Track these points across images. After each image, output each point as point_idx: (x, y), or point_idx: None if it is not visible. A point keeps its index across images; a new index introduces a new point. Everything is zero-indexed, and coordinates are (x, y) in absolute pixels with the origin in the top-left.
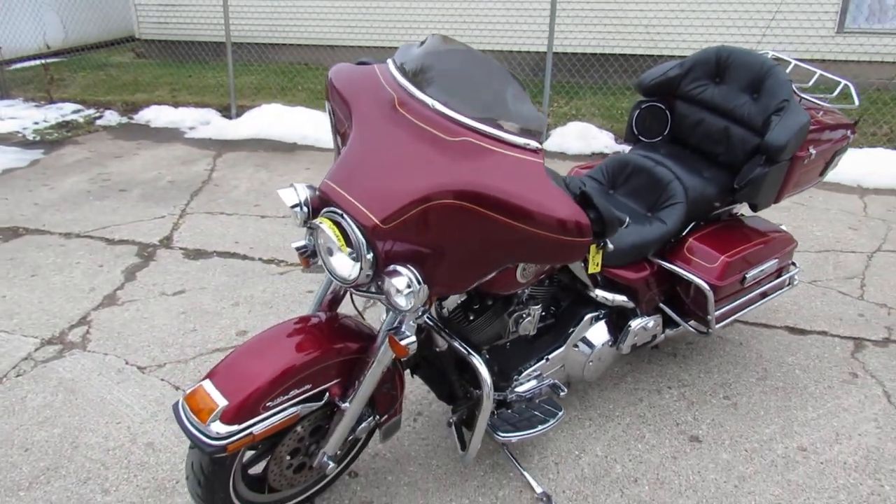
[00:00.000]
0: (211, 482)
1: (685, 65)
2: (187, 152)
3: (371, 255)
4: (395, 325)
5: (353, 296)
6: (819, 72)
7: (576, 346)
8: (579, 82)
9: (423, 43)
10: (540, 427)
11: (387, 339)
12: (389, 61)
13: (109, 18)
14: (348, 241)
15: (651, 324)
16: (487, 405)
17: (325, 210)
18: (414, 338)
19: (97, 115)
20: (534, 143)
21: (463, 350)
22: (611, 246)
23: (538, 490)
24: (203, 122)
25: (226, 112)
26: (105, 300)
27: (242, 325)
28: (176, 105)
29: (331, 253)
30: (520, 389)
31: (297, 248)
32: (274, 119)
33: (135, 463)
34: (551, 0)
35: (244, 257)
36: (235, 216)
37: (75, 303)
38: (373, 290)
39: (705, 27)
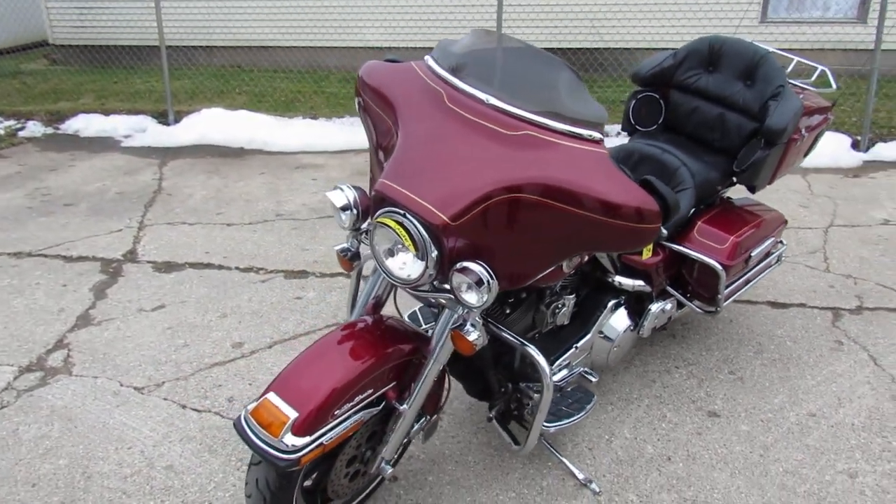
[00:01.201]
0: (278, 498)
1: (679, 55)
2: (128, 162)
3: (435, 253)
4: (459, 322)
5: (397, 298)
6: (796, 59)
7: (601, 332)
8: None
9: (464, 37)
10: (578, 414)
11: (444, 338)
12: (429, 58)
13: (17, 23)
14: (411, 240)
15: (668, 306)
16: (547, 395)
17: (382, 210)
18: (479, 333)
19: (18, 126)
20: (597, 135)
21: (517, 341)
22: (665, 232)
23: (580, 476)
24: (139, 129)
25: (163, 118)
26: (79, 321)
27: (237, 337)
28: (106, 113)
29: (392, 254)
30: (554, 379)
31: (340, 252)
32: (216, 123)
33: (158, 488)
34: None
35: (220, 267)
36: (199, 225)
37: (46, 326)
38: (427, 289)
39: (647, 19)
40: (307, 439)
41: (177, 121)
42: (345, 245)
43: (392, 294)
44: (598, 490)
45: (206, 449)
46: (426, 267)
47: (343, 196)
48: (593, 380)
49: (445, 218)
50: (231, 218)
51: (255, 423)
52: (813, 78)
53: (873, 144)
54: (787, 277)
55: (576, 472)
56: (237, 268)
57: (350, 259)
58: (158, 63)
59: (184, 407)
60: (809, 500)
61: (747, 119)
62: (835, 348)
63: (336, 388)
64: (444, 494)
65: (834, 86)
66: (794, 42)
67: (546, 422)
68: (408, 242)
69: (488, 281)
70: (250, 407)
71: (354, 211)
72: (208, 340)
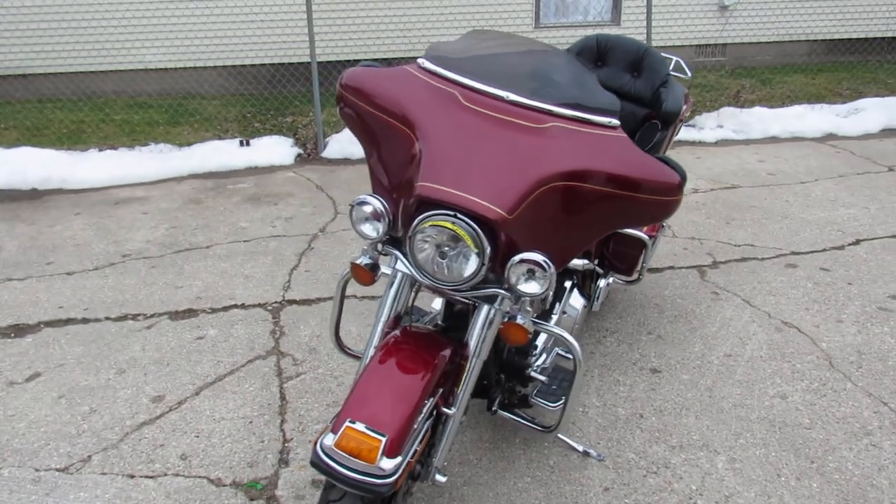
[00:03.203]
0: None
1: (572, 51)
2: None
3: (489, 249)
4: (506, 315)
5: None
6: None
7: (564, 312)
8: None
9: (460, 39)
10: (573, 390)
11: (485, 335)
12: (424, 61)
13: None
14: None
15: (611, 280)
16: (580, 374)
17: (431, 213)
18: (528, 321)
19: None
20: (615, 121)
21: (549, 327)
22: None
23: (580, 448)
24: None
25: None
26: None
27: (151, 391)
28: None
29: (443, 256)
30: (538, 363)
31: (364, 265)
32: None
33: None
34: (307, 11)
35: (85, 321)
36: (32, 280)
37: None
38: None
39: (446, 27)
40: (398, 460)
41: None
42: (365, 258)
43: (412, 303)
44: (600, 456)
45: None
46: (481, 263)
47: (370, 206)
48: (571, 357)
49: (503, 212)
50: (67, 266)
51: (343, 454)
52: (671, 67)
53: None
54: None
55: (574, 445)
56: (108, 318)
57: (371, 270)
58: None
59: (132, 477)
60: (763, 424)
61: (639, 106)
62: (715, 298)
63: (413, 404)
64: (467, 495)
65: (689, 73)
66: (565, 44)
67: (553, 402)
68: (468, 241)
69: (549, 268)
70: (327, 441)
71: (386, 219)
72: (118, 401)
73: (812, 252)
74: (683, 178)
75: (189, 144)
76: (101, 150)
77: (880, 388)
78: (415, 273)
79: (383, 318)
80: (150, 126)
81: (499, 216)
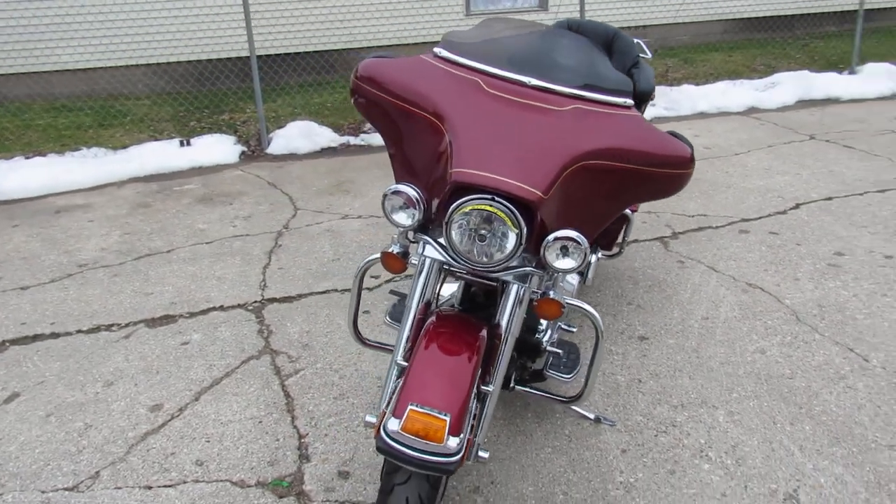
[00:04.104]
0: None
1: None
2: None
3: (525, 229)
4: (542, 290)
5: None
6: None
7: (563, 288)
8: (289, 82)
9: (475, 27)
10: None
11: (516, 313)
12: (441, 50)
13: None
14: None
15: (599, 255)
16: (602, 344)
17: (470, 198)
18: (562, 296)
19: None
20: (629, 101)
21: (572, 301)
22: None
23: (591, 416)
24: None
25: None
26: None
27: (146, 401)
28: None
29: (482, 239)
30: (546, 339)
31: (396, 253)
32: None
33: None
34: (244, 4)
35: (55, 335)
36: None
37: None
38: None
39: (372, 19)
40: (461, 437)
41: None
42: (396, 246)
43: (440, 289)
44: (611, 421)
45: None
46: (519, 243)
47: (405, 195)
48: (574, 330)
49: (539, 192)
50: (20, 280)
51: (411, 436)
52: None
53: None
54: None
55: (586, 413)
56: (79, 331)
57: (402, 258)
58: None
59: (149, 488)
60: (751, 378)
61: None
62: (682, 266)
63: (467, 383)
64: (495, 471)
65: (649, 54)
66: None
67: (564, 374)
68: (508, 222)
69: (583, 243)
70: (392, 426)
71: (421, 207)
72: (113, 413)
73: (759, 218)
74: (692, 151)
75: (125, 147)
76: (28, 158)
77: (844, 336)
78: (447, 257)
79: (414, 305)
80: (78, 130)
81: (536, 197)
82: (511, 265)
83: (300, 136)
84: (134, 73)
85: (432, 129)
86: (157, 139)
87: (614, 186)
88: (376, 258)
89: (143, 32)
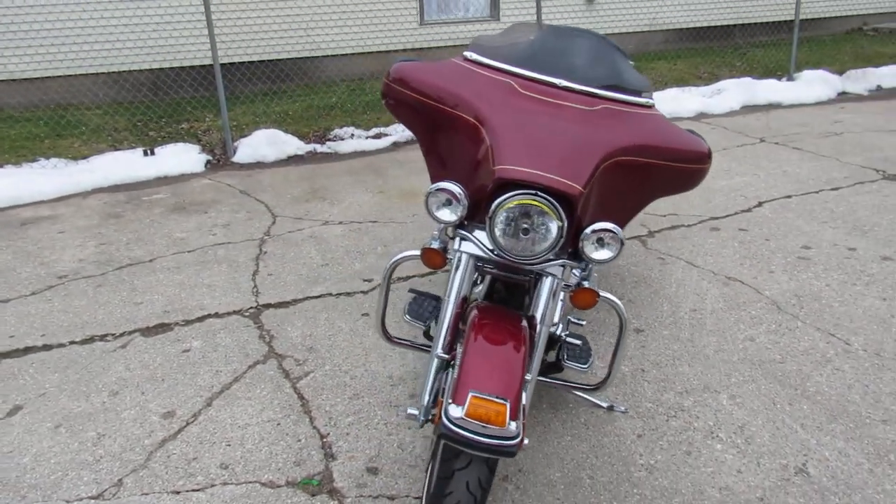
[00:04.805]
0: (486, 496)
1: None
2: None
3: (566, 221)
4: (577, 281)
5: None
6: None
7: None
8: (246, 91)
9: (504, 31)
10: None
11: (551, 303)
12: (472, 54)
13: None
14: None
15: None
16: (626, 332)
17: (511, 194)
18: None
19: None
20: (651, 101)
21: (606, 296)
22: None
23: (604, 404)
24: None
25: None
26: None
27: (157, 408)
28: None
29: (526, 233)
30: (559, 332)
31: (437, 248)
32: None
33: None
34: (206, 13)
35: (47, 347)
36: None
37: None
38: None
39: (334, 27)
40: (519, 421)
41: None
42: (436, 242)
43: (477, 283)
44: (623, 408)
45: None
46: (560, 236)
47: (448, 192)
48: (583, 324)
49: (580, 187)
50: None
51: (475, 421)
52: None
53: None
54: None
55: (599, 402)
56: (72, 342)
57: (443, 254)
58: None
59: (177, 493)
60: (745, 364)
61: None
62: (663, 263)
63: (520, 370)
64: (521, 460)
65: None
66: (448, 40)
67: (581, 364)
68: (552, 215)
69: (620, 234)
70: (455, 413)
71: (465, 202)
72: (125, 422)
73: (727, 216)
74: (710, 147)
75: (85, 157)
76: None
77: (824, 323)
78: (487, 252)
79: (453, 299)
80: (32, 140)
81: (577, 191)
82: (550, 258)
83: (266, 144)
84: (80, 83)
85: (469, 129)
86: (117, 149)
87: (642, 181)
88: (404, 257)
89: (92, 41)
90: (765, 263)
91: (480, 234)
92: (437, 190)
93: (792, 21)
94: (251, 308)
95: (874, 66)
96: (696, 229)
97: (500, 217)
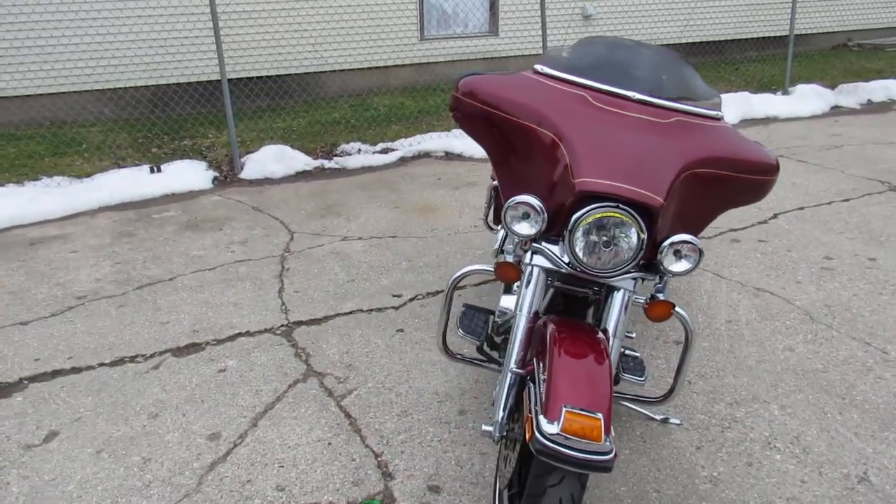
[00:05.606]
0: None
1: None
2: None
3: (645, 233)
4: (652, 293)
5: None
6: None
7: None
8: (256, 106)
9: (575, 45)
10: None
11: (622, 315)
12: (543, 67)
13: None
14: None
15: None
16: (693, 344)
17: (593, 207)
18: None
19: None
20: (721, 114)
21: (676, 309)
22: None
23: (658, 417)
24: None
25: None
26: None
27: (201, 429)
28: None
29: (607, 245)
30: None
31: (513, 262)
32: None
33: None
34: (214, 29)
35: (76, 370)
36: None
37: None
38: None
39: (341, 43)
40: (612, 435)
41: None
42: (511, 256)
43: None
44: (678, 421)
45: None
46: (641, 248)
47: (527, 206)
48: (633, 336)
49: (661, 199)
50: (15, 315)
51: (570, 437)
52: None
53: None
54: None
55: (653, 415)
56: (102, 364)
57: (518, 266)
58: None
59: None
60: (789, 374)
61: None
62: (691, 274)
63: (609, 383)
64: (591, 476)
65: None
66: (448, 55)
67: (637, 376)
68: (636, 227)
69: (698, 246)
70: (550, 429)
71: (542, 217)
72: (170, 445)
73: (745, 228)
74: (777, 159)
75: (89, 175)
76: None
77: (859, 332)
78: (562, 264)
79: (525, 313)
80: (32, 159)
81: (658, 203)
82: (629, 270)
83: (274, 160)
84: (74, 100)
85: (545, 142)
86: (121, 166)
87: (715, 192)
88: (470, 271)
89: (84, 59)
90: (790, 274)
91: (553, 248)
92: (517, 203)
93: (782, 37)
94: (282, 326)
95: (863, 81)
96: (716, 241)
97: (581, 230)
